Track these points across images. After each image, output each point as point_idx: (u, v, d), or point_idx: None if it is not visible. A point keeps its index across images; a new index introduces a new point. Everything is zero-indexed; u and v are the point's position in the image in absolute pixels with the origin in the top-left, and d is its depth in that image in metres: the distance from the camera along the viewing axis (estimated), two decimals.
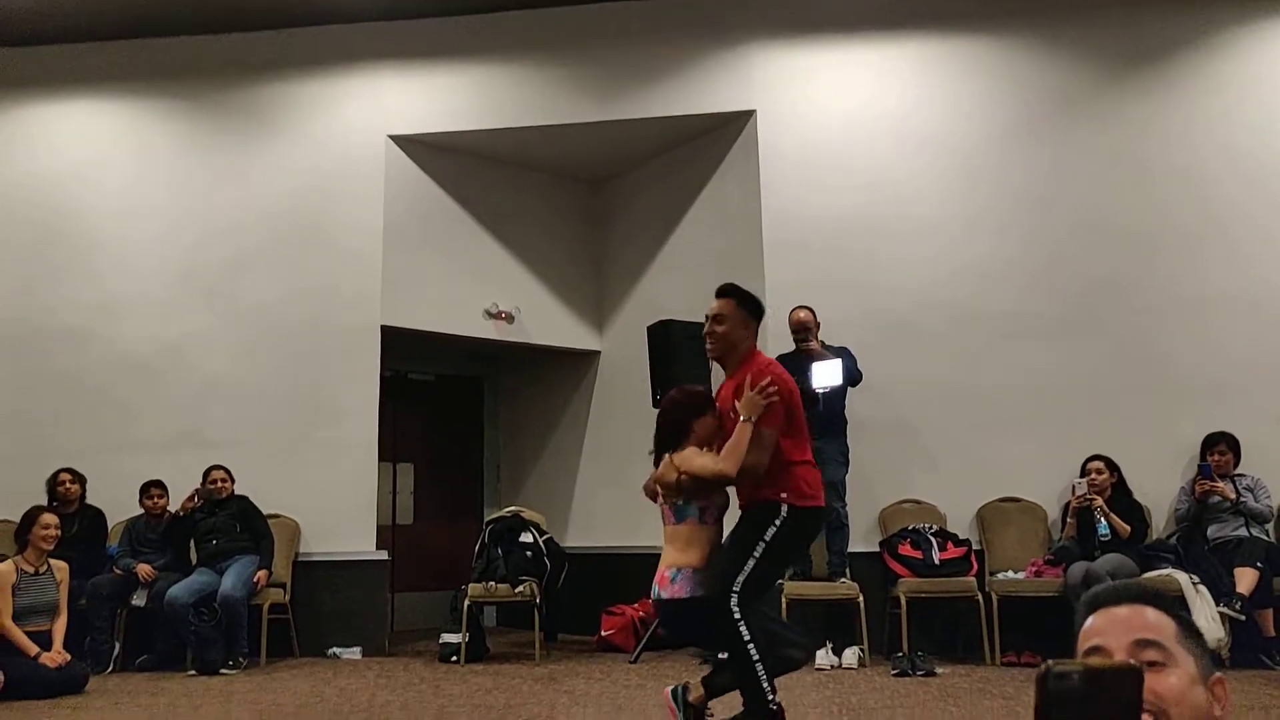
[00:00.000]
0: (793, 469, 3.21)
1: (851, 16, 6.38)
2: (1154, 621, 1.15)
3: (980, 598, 5.23)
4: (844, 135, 6.29)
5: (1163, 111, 5.98)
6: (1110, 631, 1.16)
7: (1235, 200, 5.82)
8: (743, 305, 3.37)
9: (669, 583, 3.13)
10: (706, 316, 3.39)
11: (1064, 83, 6.10)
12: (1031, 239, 5.98)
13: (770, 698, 2.99)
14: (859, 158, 6.24)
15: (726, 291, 3.40)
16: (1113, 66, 6.07)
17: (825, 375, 5.40)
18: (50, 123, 6.86)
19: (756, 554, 3.10)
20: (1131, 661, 0.86)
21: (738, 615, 3.02)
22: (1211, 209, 5.83)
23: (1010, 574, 5.38)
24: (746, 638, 3.01)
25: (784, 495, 3.17)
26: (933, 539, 5.47)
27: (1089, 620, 1.19)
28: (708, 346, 3.42)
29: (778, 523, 3.14)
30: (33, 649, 4.65)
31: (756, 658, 3.00)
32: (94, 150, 6.80)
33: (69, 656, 4.79)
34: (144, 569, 5.58)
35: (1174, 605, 1.20)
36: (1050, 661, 0.81)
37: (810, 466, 3.28)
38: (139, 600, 5.52)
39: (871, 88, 6.33)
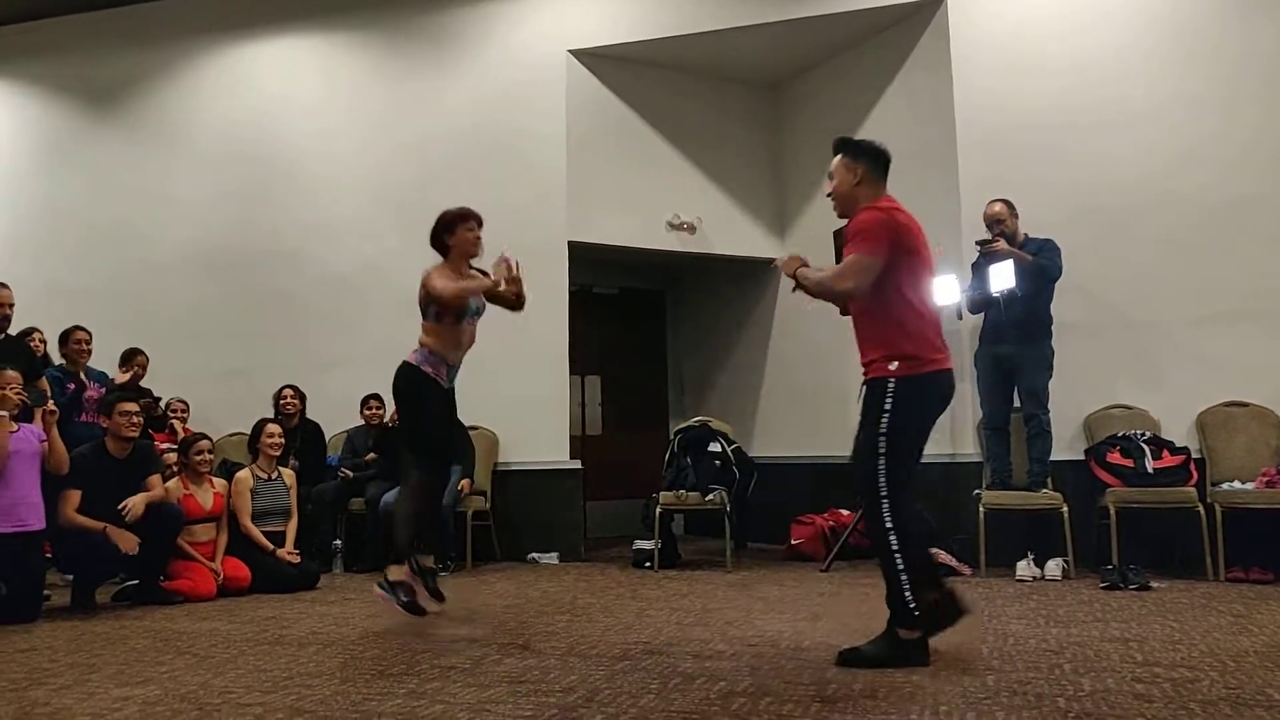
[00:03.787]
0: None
1: None
2: None
3: (1201, 509, 4.89)
4: (1043, 16, 5.82)
5: None
6: None
7: None
8: (846, 154, 3.25)
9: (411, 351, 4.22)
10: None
11: None
12: (1260, 118, 5.37)
13: (909, 599, 3.01)
14: (1060, 39, 5.77)
15: (834, 147, 3.31)
16: None
17: (1000, 278, 5.12)
18: (258, 60, 7.28)
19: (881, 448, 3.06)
20: None
21: (889, 525, 3.02)
22: None
23: (1237, 484, 5.00)
24: (895, 547, 3.02)
25: (892, 366, 3.07)
26: (1145, 446, 5.14)
27: None
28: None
29: (888, 405, 3.04)
30: (269, 546, 5.14)
31: (902, 567, 3.01)
32: (297, 82, 7.20)
33: (300, 556, 5.24)
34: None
35: None
36: None
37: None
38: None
39: None
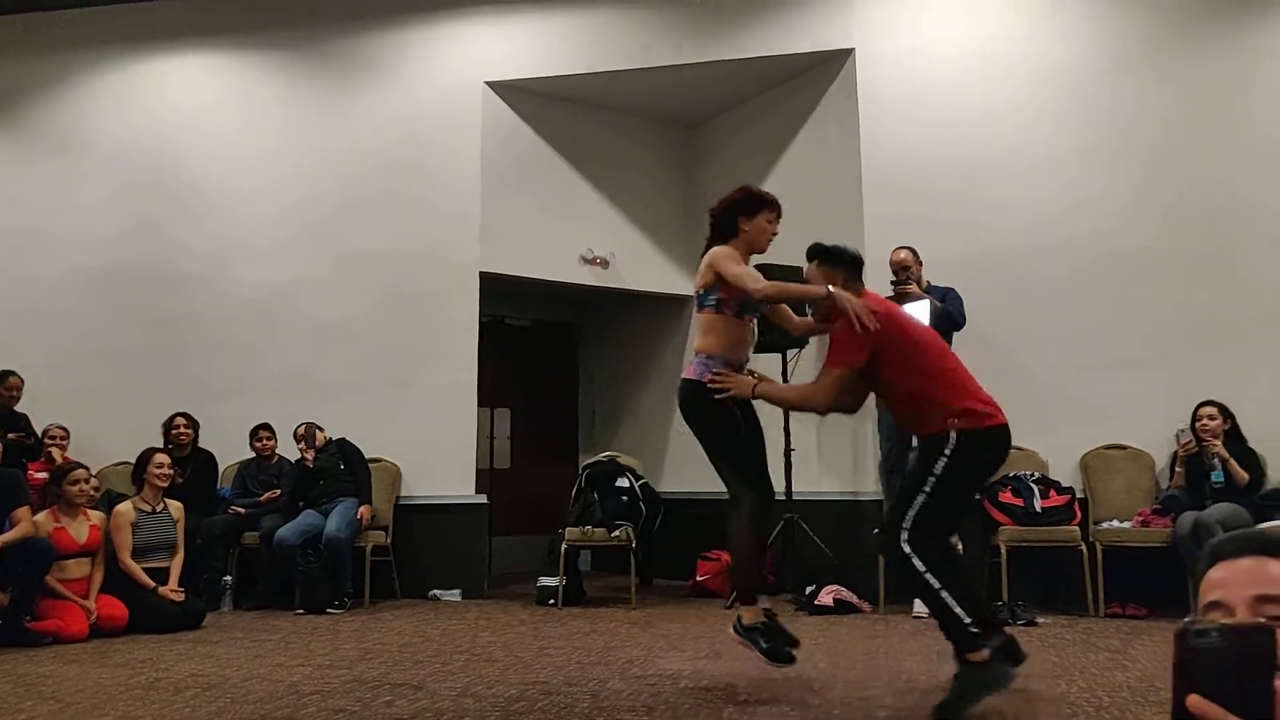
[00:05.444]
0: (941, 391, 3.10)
1: None
2: (1277, 575, 1.08)
3: (1084, 547, 5.07)
4: (946, 69, 6.04)
5: None
6: (1231, 585, 1.09)
7: None
8: (823, 263, 3.32)
9: (687, 365, 3.47)
10: None
11: (1183, 2, 5.71)
12: (1146, 172, 5.64)
13: (966, 621, 2.93)
14: (962, 92, 5.99)
15: (807, 255, 3.38)
16: None
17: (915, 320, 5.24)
18: (165, 76, 7.05)
19: (926, 489, 3.04)
20: (1261, 620, 0.83)
21: (907, 551, 2.99)
22: None
23: (1116, 523, 5.20)
24: (921, 569, 2.97)
25: (951, 421, 3.04)
26: (1034, 486, 5.31)
27: (1210, 572, 1.13)
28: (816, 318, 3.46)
29: (947, 452, 3.03)
30: (150, 584, 4.90)
31: (938, 586, 2.95)
32: (206, 101, 6.98)
33: (184, 594, 5.02)
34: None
35: None
36: (1188, 620, 0.83)
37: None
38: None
39: (974, 18, 6.04)
